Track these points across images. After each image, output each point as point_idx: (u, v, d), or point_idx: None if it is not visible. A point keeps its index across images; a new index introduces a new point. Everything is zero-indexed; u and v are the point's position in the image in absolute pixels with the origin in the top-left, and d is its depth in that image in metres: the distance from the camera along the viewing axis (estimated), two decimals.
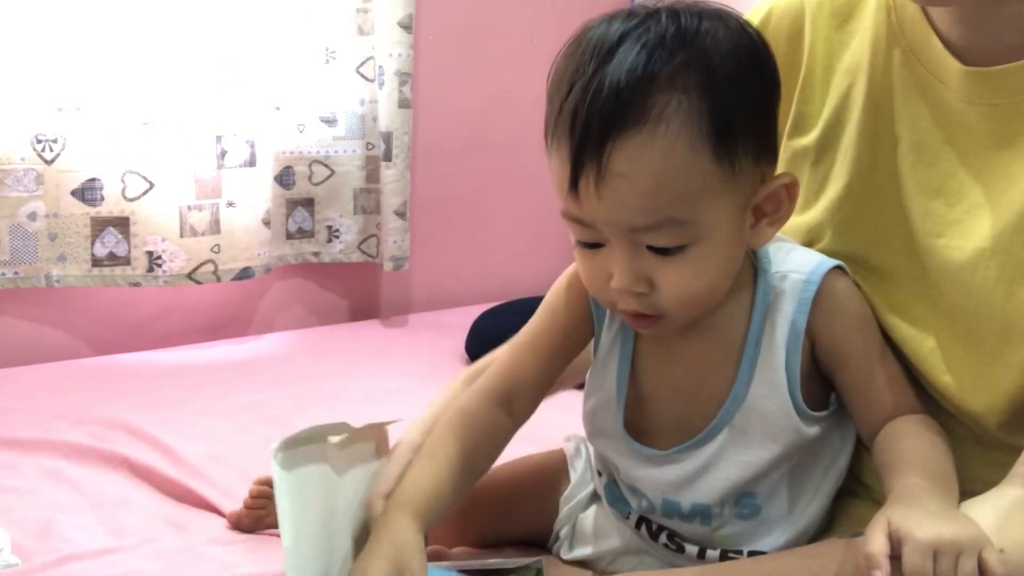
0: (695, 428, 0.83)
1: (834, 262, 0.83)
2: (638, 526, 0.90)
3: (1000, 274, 0.74)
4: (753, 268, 0.83)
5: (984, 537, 0.66)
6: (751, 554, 0.85)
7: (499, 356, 0.93)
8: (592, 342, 0.90)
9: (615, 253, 0.74)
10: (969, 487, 0.74)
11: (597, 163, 0.70)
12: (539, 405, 0.92)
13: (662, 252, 0.73)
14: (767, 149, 0.76)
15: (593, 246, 0.76)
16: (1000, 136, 0.75)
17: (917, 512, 0.68)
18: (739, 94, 0.72)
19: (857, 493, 0.88)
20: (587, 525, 0.97)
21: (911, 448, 0.78)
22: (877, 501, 0.82)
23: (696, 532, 0.87)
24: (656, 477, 0.85)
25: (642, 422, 0.87)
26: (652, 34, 0.71)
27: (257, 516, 1.13)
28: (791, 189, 0.78)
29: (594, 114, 0.70)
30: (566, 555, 0.98)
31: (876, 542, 0.66)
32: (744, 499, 0.84)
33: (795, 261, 0.83)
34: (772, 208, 0.77)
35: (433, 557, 0.96)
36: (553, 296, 0.90)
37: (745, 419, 0.82)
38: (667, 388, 0.86)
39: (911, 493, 0.72)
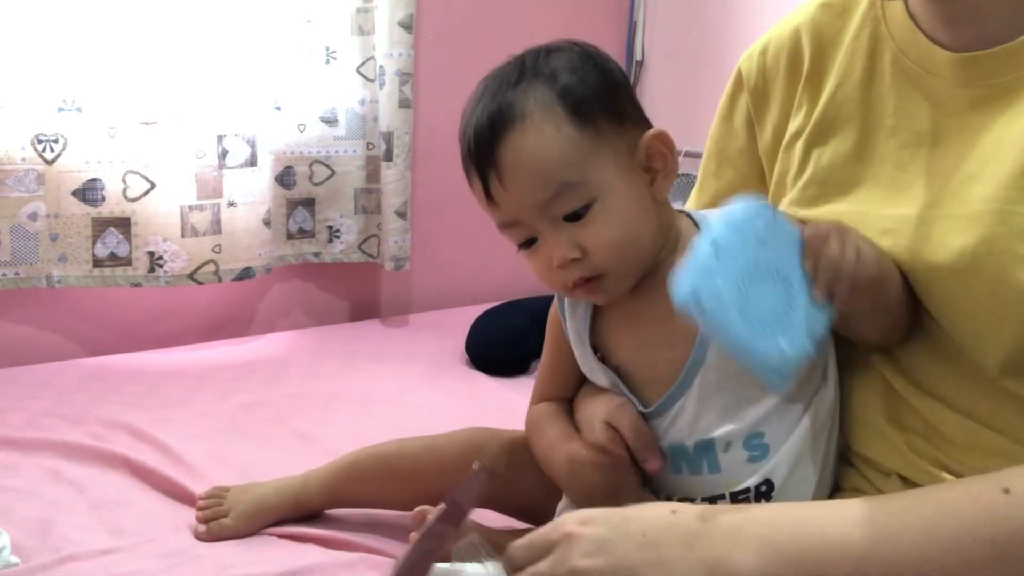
0: (670, 381, 0.89)
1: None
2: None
3: (996, 231, 0.76)
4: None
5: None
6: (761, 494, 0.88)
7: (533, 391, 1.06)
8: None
9: (545, 239, 0.88)
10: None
11: (495, 166, 0.87)
12: None
13: (575, 218, 0.87)
14: (627, 118, 0.90)
15: (529, 244, 0.90)
16: (993, 112, 0.79)
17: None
18: (578, 79, 0.88)
19: (849, 461, 0.90)
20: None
21: None
22: (866, 477, 0.87)
23: (705, 484, 0.90)
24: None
25: (632, 384, 0.94)
26: (505, 68, 0.91)
27: (214, 515, 1.17)
28: (663, 139, 0.90)
29: (480, 136, 0.88)
30: None
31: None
32: (752, 439, 0.87)
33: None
34: (660, 164, 0.90)
35: None
36: (548, 325, 1.05)
37: (711, 370, 0.88)
38: (633, 348, 0.93)
39: None
